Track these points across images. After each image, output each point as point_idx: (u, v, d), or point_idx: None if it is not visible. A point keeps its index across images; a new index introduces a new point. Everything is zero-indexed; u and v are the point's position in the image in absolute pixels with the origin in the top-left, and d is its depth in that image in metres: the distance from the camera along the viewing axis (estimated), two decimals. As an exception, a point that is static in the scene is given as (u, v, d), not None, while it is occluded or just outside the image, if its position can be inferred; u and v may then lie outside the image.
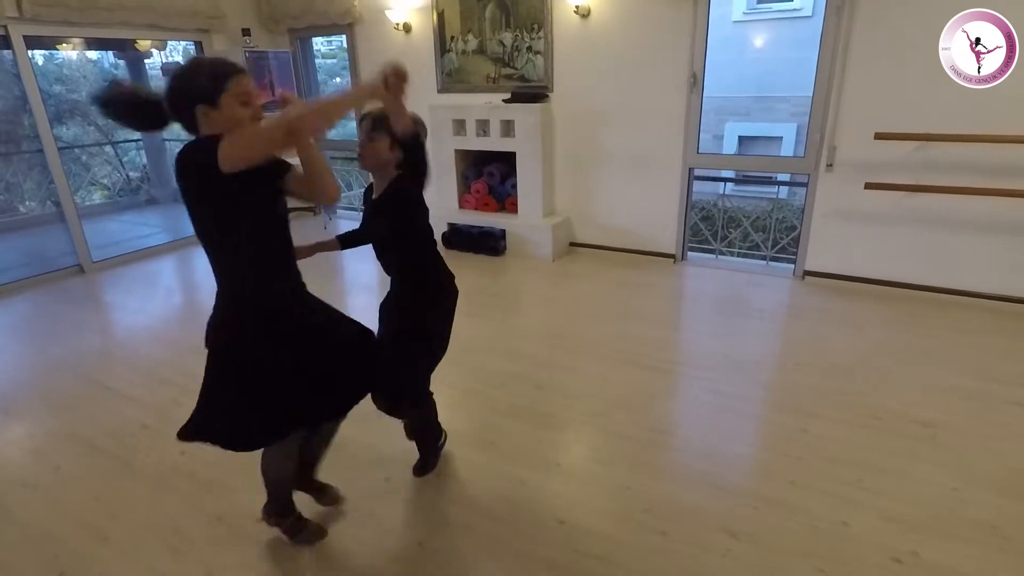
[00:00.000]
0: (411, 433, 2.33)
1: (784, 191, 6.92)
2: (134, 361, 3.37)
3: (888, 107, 3.66)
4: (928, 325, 3.53)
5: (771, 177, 6.14)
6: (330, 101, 1.58)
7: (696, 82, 4.24)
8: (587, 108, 4.72)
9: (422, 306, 2.06)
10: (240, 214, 1.52)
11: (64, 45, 5.08)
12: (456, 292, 2.15)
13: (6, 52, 4.46)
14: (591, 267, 4.78)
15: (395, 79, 1.57)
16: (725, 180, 5.86)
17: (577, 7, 4.43)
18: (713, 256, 4.95)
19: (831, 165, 3.94)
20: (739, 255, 5.43)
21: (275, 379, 1.62)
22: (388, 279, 2.09)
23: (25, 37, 4.42)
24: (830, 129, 3.88)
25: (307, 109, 1.47)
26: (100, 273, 4.97)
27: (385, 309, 2.12)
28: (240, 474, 2.37)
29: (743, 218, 5.68)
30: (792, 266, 4.42)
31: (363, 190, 2.20)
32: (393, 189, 1.93)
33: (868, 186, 3.76)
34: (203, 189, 1.46)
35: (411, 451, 2.48)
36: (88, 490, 2.31)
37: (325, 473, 2.18)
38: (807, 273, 4.27)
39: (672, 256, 4.75)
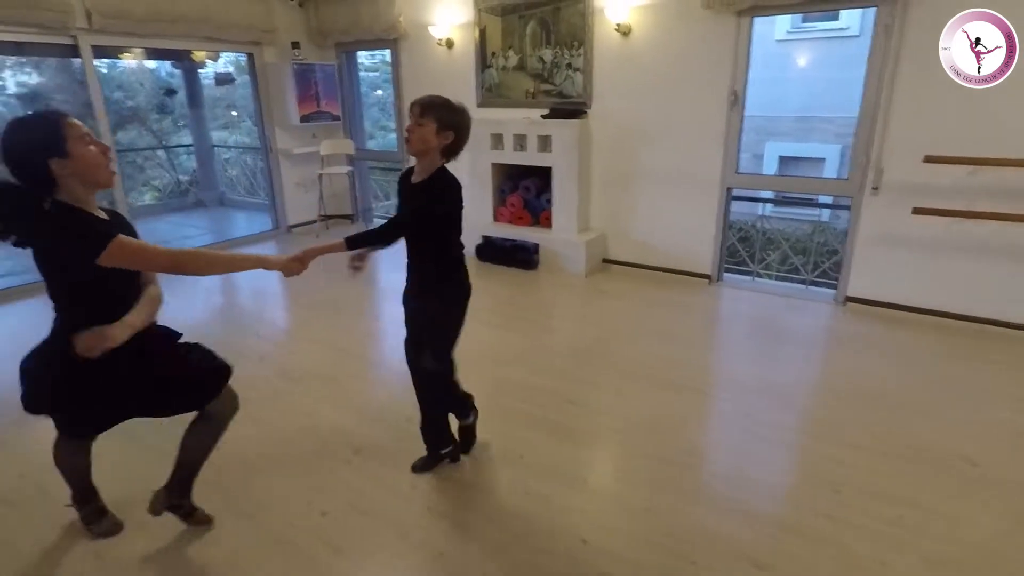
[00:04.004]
0: (422, 423, 2.38)
1: (826, 214, 6.76)
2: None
3: (939, 129, 3.55)
4: (976, 358, 3.38)
5: (813, 199, 6.01)
6: (226, 258, 1.72)
7: (737, 100, 4.19)
8: (625, 125, 4.71)
9: (453, 291, 2.16)
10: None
11: (126, 54, 5.34)
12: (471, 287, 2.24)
13: (75, 60, 4.69)
14: (624, 284, 4.74)
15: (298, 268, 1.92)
16: (764, 201, 5.76)
17: (618, 25, 4.44)
18: (750, 278, 4.86)
19: (877, 188, 3.83)
20: (777, 278, 5.32)
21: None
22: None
23: (93, 47, 4.66)
24: (876, 151, 3.78)
25: (200, 255, 1.65)
26: (147, 273, 5.14)
27: (412, 297, 2.21)
28: (263, 465, 2.41)
29: (782, 240, 5.57)
30: (833, 291, 4.30)
31: (398, 178, 2.21)
32: (440, 173, 2.02)
33: (916, 211, 3.64)
34: (63, 259, 1.54)
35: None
36: (124, 475, 2.35)
37: (360, 470, 2.20)
38: (849, 299, 4.14)
39: (707, 277, 4.68)
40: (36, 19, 4.21)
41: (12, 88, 7.98)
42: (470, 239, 5.32)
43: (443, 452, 2.41)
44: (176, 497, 2.01)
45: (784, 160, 10.07)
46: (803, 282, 4.73)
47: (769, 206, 5.78)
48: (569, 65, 4.82)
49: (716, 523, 2.11)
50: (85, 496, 2.05)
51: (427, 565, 1.95)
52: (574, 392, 3.05)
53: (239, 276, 5.32)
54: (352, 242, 2.03)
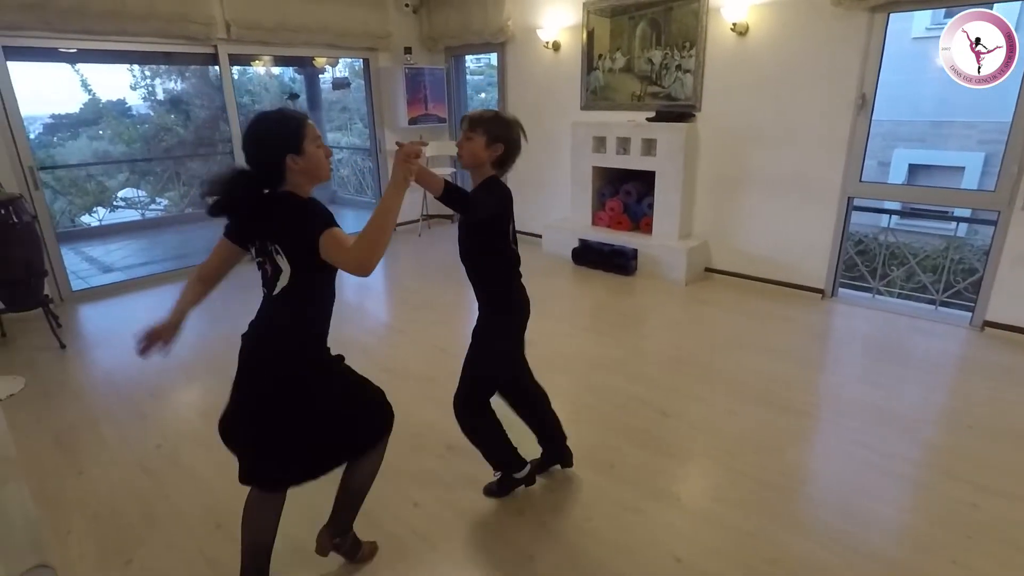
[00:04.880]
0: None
1: (962, 228, 6.12)
2: (287, 344, 3.72)
3: (1112, 137, 3.11)
4: None
5: (947, 212, 5.45)
6: (379, 223, 1.48)
7: (865, 104, 3.89)
8: (737, 129, 4.50)
9: (500, 320, 2.06)
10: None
11: (256, 62, 5.85)
12: (527, 315, 2.11)
13: (212, 68, 5.17)
14: (727, 295, 4.53)
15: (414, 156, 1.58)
16: (890, 212, 5.30)
17: (734, 24, 4.25)
18: (869, 295, 4.48)
19: (1029, 201, 3.41)
20: (900, 296, 4.88)
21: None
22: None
23: (229, 55, 5.12)
24: (1031, 160, 3.37)
25: (365, 244, 1.45)
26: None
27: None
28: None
29: (909, 255, 5.10)
30: (969, 314, 3.87)
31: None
32: (489, 180, 1.96)
33: (1077, 228, 3.20)
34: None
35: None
36: (242, 456, 2.58)
37: (452, 466, 2.25)
38: (988, 324, 3.72)
39: (820, 291, 4.37)
40: (185, 31, 4.68)
41: (160, 95, 8.93)
42: (567, 243, 5.32)
43: (516, 476, 2.26)
44: (338, 532, 1.96)
45: (915, 168, 9.20)
46: (932, 302, 4.30)
47: (895, 218, 5.31)
48: (679, 66, 4.68)
49: (822, 555, 1.96)
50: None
51: (517, 567, 1.96)
52: (669, 403, 2.95)
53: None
54: (447, 185, 1.92)
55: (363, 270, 1.46)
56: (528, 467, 2.29)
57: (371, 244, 1.45)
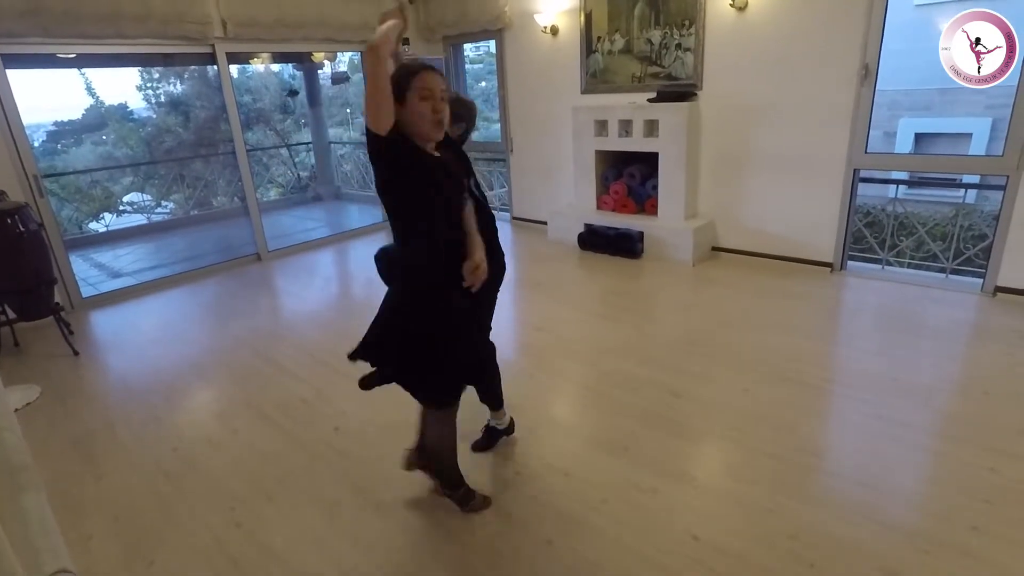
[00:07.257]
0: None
1: (972, 195, 6.04)
2: (298, 342, 3.74)
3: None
4: None
5: (955, 179, 5.38)
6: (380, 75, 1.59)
7: (868, 74, 3.83)
8: (739, 106, 4.46)
9: None
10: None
11: (255, 60, 5.83)
12: None
13: (211, 67, 5.16)
14: (735, 273, 4.51)
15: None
16: (897, 182, 5.25)
17: (733, 0, 4.19)
18: (879, 266, 4.45)
19: (1039, 165, 3.37)
20: (910, 266, 4.84)
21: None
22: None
23: (227, 54, 5.10)
24: (1040, 123, 3.32)
25: (371, 97, 1.58)
26: (273, 261, 5.59)
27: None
28: (384, 452, 2.54)
29: (918, 225, 5.05)
30: (980, 280, 3.84)
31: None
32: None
33: (1090, 190, 3.16)
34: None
35: (543, 448, 2.51)
36: (259, 454, 2.60)
37: (463, 458, 2.27)
38: (1000, 289, 3.68)
39: (829, 265, 4.34)
40: (182, 32, 4.67)
41: (161, 97, 8.94)
42: (573, 228, 5.31)
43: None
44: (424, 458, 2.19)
45: (921, 137, 9.09)
46: (943, 271, 4.26)
47: (903, 188, 5.26)
48: (679, 45, 4.63)
49: (842, 528, 1.96)
50: (460, 478, 2.15)
51: (535, 551, 1.97)
52: (681, 385, 2.95)
53: (354, 264, 5.63)
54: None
55: (369, 124, 1.60)
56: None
57: (367, 104, 1.57)
